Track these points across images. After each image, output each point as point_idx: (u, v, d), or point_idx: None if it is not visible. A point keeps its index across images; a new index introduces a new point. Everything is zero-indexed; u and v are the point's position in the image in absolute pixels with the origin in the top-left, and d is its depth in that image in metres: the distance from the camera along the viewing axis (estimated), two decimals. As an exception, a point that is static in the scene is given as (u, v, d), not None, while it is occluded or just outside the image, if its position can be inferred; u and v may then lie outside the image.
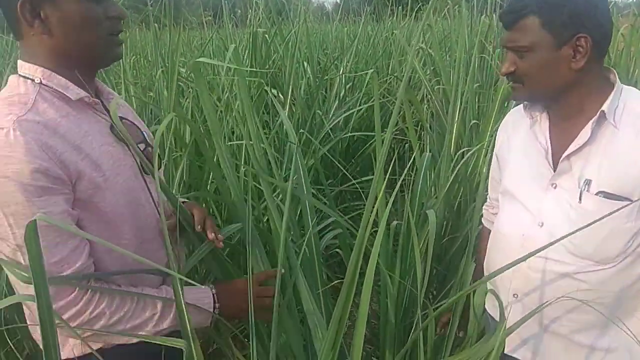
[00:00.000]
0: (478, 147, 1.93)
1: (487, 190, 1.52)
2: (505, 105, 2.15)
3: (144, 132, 1.12)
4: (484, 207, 1.45)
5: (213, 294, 1.09)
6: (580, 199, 1.01)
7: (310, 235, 1.34)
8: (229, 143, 1.99)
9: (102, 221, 0.93)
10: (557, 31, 0.97)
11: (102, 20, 0.92)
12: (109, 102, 1.03)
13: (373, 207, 0.85)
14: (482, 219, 1.45)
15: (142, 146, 1.06)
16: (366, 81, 3.14)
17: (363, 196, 2.79)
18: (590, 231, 0.96)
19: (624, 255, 1.00)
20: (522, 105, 1.24)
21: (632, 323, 1.06)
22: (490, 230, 1.38)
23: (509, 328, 1.02)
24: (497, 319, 1.14)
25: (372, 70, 1.67)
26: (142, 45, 3.78)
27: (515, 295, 1.12)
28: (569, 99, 1.04)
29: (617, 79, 1.03)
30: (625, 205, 0.95)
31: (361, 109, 2.89)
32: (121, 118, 0.99)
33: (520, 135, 1.18)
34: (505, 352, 1.17)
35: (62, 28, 0.89)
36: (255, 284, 1.14)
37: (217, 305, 1.08)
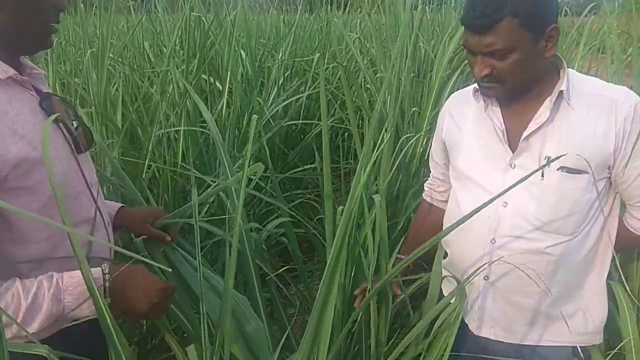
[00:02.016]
0: (417, 136, 1.98)
1: (425, 175, 1.56)
2: (444, 94, 2.23)
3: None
4: (426, 184, 1.47)
5: (105, 277, 0.93)
6: (542, 175, 1.06)
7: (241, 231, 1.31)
8: (163, 131, 1.90)
9: (32, 209, 0.87)
10: (534, 27, 0.99)
11: (49, 7, 0.90)
12: (32, 77, 0.96)
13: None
14: (424, 193, 1.48)
15: (72, 124, 0.99)
16: (305, 69, 3.13)
17: (304, 185, 2.79)
18: (555, 206, 1.06)
19: (583, 225, 1.08)
20: (465, 90, 1.28)
21: (586, 287, 1.15)
22: (430, 204, 1.43)
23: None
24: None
25: (318, 54, 1.66)
26: (63, 28, 3.52)
27: (486, 277, 1.16)
28: (534, 85, 1.08)
29: (564, 61, 1.09)
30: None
31: (301, 97, 2.88)
32: (50, 94, 0.93)
33: (469, 119, 1.21)
34: (475, 333, 1.22)
35: (12, 7, 0.85)
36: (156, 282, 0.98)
37: (107, 285, 0.92)
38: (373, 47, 2.88)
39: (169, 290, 0.99)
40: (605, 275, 1.16)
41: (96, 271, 0.92)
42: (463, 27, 1.05)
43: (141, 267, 0.98)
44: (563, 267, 1.10)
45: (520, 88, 1.08)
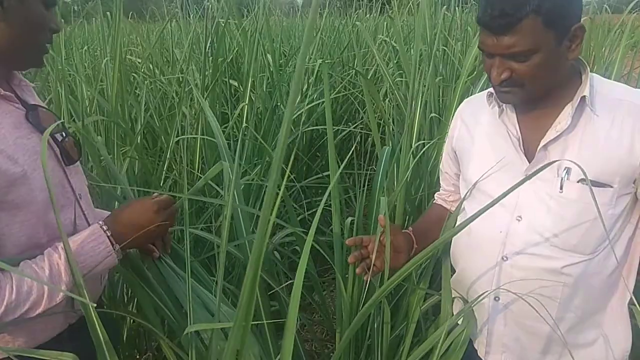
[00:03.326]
0: (437, 139, 1.89)
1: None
2: (469, 94, 2.13)
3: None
4: (436, 194, 1.40)
5: (103, 229, 0.97)
6: (561, 188, 0.97)
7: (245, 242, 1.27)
8: (182, 137, 1.90)
9: (15, 222, 0.85)
10: (558, 26, 0.90)
11: (46, 27, 0.93)
12: (21, 89, 0.96)
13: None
14: (435, 201, 1.40)
15: (60, 136, 0.98)
16: (330, 73, 3.08)
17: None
18: (573, 221, 0.96)
19: (605, 244, 0.98)
20: (478, 95, 1.20)
21: (607, 313, 1.05)
22: (442, 207, 1.35)
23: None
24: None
25: (320, 60, 1.61)
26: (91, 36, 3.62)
27: (497, 298, 1.07)
28: (555, 90, 0.99)
29: (586, 64, 0.99)
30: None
31: (324, 102, 2.83)
32: (37, 106, 0.92)
33: (482, 126, 1.13)
34: (483, 358, 1.13)
35: (16, 22, 0.87)
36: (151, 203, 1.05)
37: (109, 234, 0.97)
38: (397, 51, 2.79)
39: (164, 203, 1.05)
40: (628, 299, 1.05)
41: (94, 228, 0.96)
42: (480, 27, 0.97)
43: (130, 202, 1.05)
44: (581, 290, 1.00)
45: (540, 93, 0.99)
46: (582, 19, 0.97)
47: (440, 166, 1.34)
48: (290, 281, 1.81)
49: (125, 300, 1.87)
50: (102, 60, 1.89)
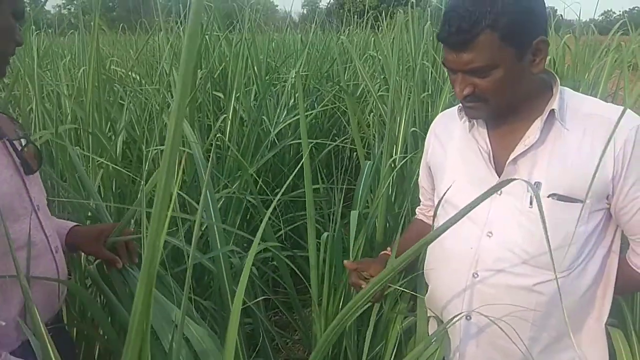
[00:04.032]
0: (414, 153, 1.87)
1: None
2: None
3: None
4: (417, 209, 1.38)
5: None
6: (530, 203, 0.95)
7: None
8: (158, 148, 1.86)
9: None
10: (518, 41, 0.89)
11: (13, 39, 0.92)
12: None
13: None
14: (416, 216, 1.39)
15: (19, 144, 0.94)
16: (316, 87, 3.07)
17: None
18: (544, 238, 0.93)
19: (578, 262, 0.95)
20: (452, 109, 1.18)
21: (583, 333, 1.01)
22: (422, 222, 1.33)
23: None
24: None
25: (294, 70, 1.59)
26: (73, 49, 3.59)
27: (468, 317, 1.04)
28: (522, 104, 0.98)
29: (557, 78, 0.97)
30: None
31: (310, 114, 2.82)
32: None
33: (454, 140, 1.11)
34: None
35: None
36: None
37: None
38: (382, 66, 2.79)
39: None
40: (605, 320, 1.01)
41: None
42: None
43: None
44: (556, 309, 0.96)
45: (506, 108, 0.97)
46: (565, 37, 0.96)
47: (419, 181, 1.32)
48: (265, 297, 1.77)
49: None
50: (81, 69, 1.86)
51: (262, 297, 1.53)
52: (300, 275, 1.77)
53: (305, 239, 2.38)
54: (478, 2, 0.88)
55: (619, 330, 1.06)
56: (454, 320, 0.99)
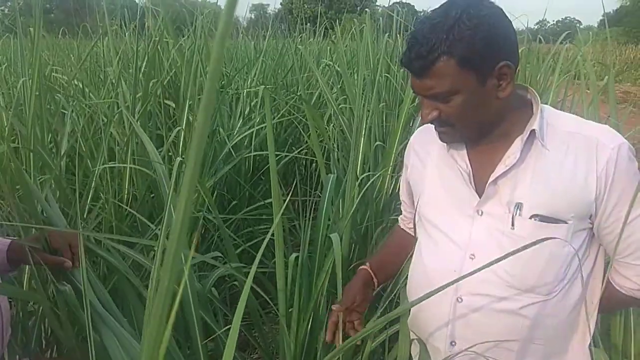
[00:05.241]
0: (382, 171, 1.85)
1: (394, 212, 1.43)
2: (411, 124, 2.11)
3: None
4: (400, 218, 1.35)
5: None
6: (512, 224, 0.93)
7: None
8: (108, 165, 1.73)
9: None
10: (477, 66, 0.87)
11: None
12: None
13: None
14: (398, 224, 1.36)
15: None
16: (272, 97, 2.99)
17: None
18: (528, 260, 0.91)
19: (562, 284, 0.94)
20: (430, 125, 1.16)
21: (568, 354, 1.00)
22: (404, 232, 1.30)
23: None
24: None
25: (263, 87, 1.52)
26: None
27: (453, 343, 1.00)
28: (498, 126, 0.96)
29: (537, 96, 0.96)
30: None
31: (265, 127, 2.73)
32: None
33: (432, 158, 1.09)
34: None
35: None
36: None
37: None
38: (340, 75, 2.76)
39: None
40: (589, 341, 1.00)
41: None
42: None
43: None
44: (540, 332, 0.95)
45: (477, 131, 0.96)
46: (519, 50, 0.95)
47: (400, 194, 1.30)
48: (228, 326, 1.67)
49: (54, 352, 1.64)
50: (21, 78, 1.70)
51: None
52: (260, 290, 1.70)
53: (265, 255, 2.31)
54: (436, 28, 0.86)
55: (602, 351, 1.06)
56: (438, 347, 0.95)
